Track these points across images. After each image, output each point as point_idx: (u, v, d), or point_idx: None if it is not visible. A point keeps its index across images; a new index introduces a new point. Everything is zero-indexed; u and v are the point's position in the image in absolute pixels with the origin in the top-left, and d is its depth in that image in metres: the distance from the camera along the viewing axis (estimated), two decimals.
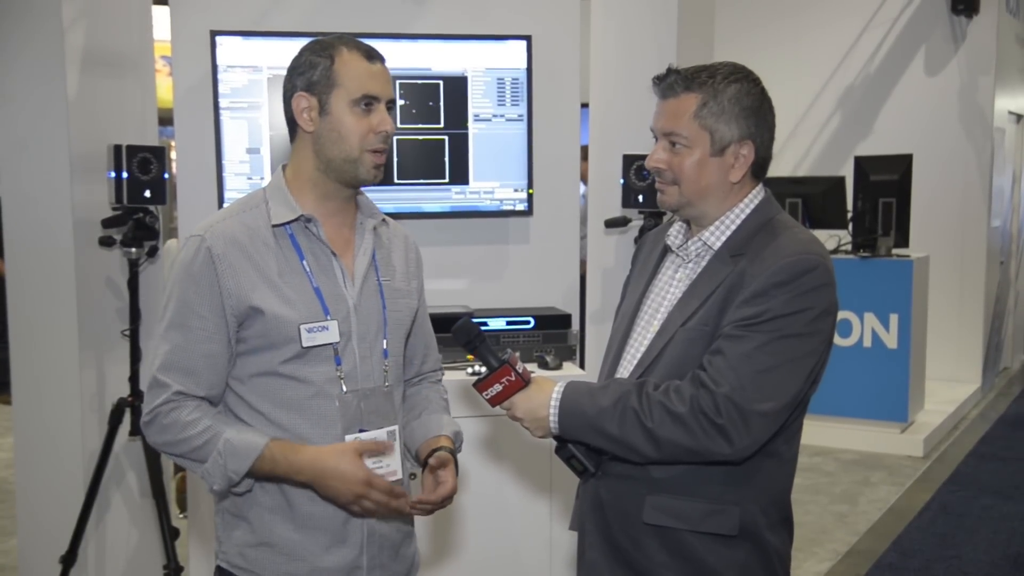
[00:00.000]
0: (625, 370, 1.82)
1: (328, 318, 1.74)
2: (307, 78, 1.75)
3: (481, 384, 1.78)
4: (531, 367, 3.21)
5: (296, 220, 1.76)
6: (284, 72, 1.81)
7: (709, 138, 1.72)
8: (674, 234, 1.85)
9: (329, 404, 1.75)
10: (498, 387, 1.76)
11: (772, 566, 1.77)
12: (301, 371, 1.73)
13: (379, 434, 1.76)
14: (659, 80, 1.77)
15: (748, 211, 1.77)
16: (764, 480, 1.73)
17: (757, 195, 1.79)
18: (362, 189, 1.88)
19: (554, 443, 1.83)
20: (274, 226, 1.75)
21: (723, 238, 1.76)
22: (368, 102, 1.75)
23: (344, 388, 1.76)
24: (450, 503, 1.82)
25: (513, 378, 1.75)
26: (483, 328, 3.23)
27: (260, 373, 1.74)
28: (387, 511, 1.73)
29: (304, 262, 1.76)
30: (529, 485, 3.29)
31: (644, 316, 1.84)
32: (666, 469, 1.71)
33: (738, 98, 1.72)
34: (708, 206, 1.77)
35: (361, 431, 1.75)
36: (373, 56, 1.77)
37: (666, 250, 1.87)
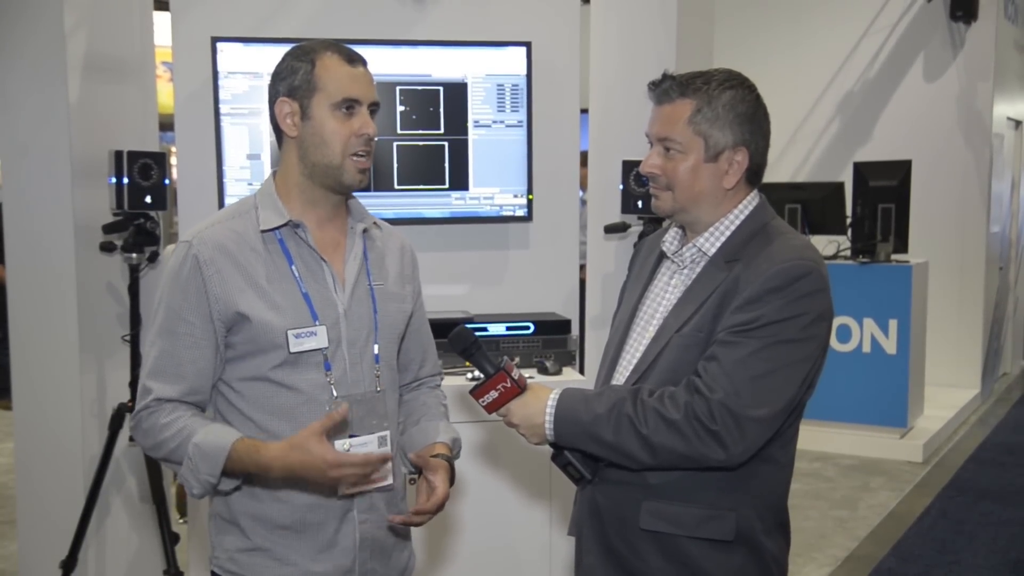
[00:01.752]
0: (621, 376, 1.82)
1: (316, 323, 1.74)
2: (289, 83, 1.75)
3: (477, 391, 1.78)
4: (531, 372, 3.22)
5: (285, 225, 1.77)
6: None
7: (703, 144, 1.73)
8: (669, 240, 1.86)
9: (319, 410, 1.74)
10: (494, 394, 1.77)
11: (769, 571, 1.77)
12: (290, 377, 1.73)
13: (371, 439, 1.75)
14: (655, 86, 1.78)
15: (742, 217, 1.78)
16: (760, 485, 1.74)
17: (751, 201, 1.80)
18: (356, 195, 1.88)
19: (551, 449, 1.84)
20: (263, 231, 1.76)
21: (717, 244, 1.77)
22: (349, 106, 1.74)
23: (334, 394, 1.76)
24: (442, 509, 1.82)
25: (509, 385, 1.76)
26: (483, 334, 3.28)
27: (250, 378, 1.75)
28: (369, 479, 1.70)
29: (293, 267, 1.76)
30: (528, 491, 3.29)
31: (640, 322, 1.85)
32: (662, 475, 1.72)
33: (733, 105, 1.72)
34: (702, 212, 1.78)
35: (352, 436, 1.75)
36: (354, 59, 1.77)
37: (662, 256, 1.88)
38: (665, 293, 1.83)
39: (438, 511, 1.81)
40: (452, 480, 1.86)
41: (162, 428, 1.70)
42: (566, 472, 1.83)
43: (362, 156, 1.76)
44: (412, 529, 1.93)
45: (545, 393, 1.76)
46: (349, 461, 1.62)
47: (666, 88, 1.75)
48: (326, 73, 1.74)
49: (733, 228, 1.77)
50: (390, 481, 1.78)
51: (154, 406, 1.72)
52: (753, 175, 1.78)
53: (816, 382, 1.74)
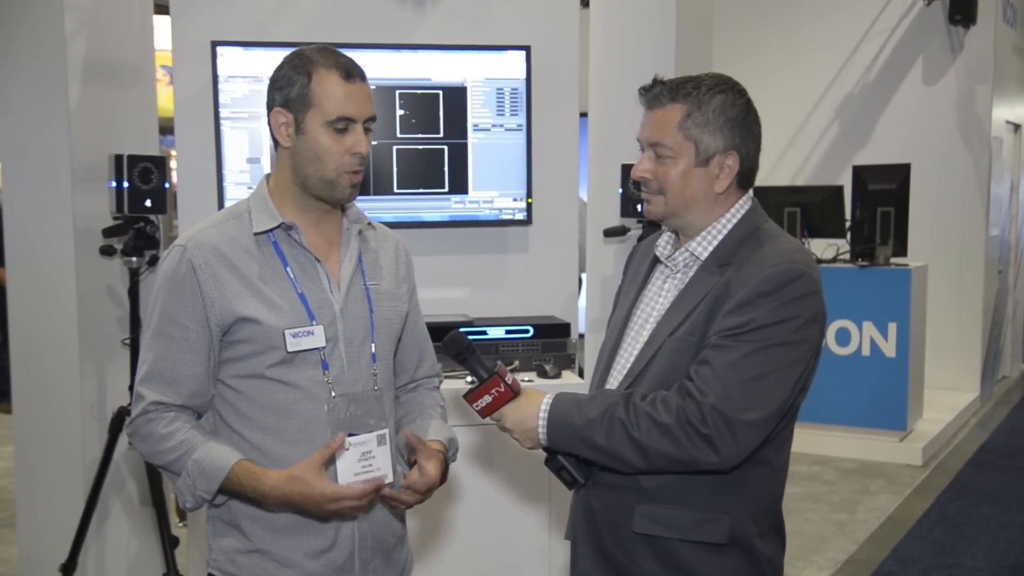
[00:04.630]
0: (615, 380, 1.83)
1: (313, 323, 1.75)
2: (285, 94, 1.75)
3: (471, 395, 1.79)
4: (530, 376, 3.22)
5: (277, 227, 1.78)
6: None
7: (694, 148, 1.74)
8: (663, 244, 1.87)
9: (317, 407, 1.76)
10: (488, 398, 1.77)
11: (763, 574, 1.77)
12: (288, 376, 1.75)
13: (369, 438, 1.77)
14: (645, 91, 1.78)
15: (734, 221, 1.78)
16: (754, 488, 1.74)
17: (743, 205, 1.80)
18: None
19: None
20: (256, 234, 1.77)
21: (710, 248, 1.77)
22: (344, 124, 1.74)
23: (332, 393, 1.77)
24: (430, 496, 1.84)
25: (503, 389, 1.76)
26: (482, 337, 3.28)
27: (247, 375, 1.76)
28: (366, 510, 1.76)
29: (288, 269, 1.77)
30: (526, 494, 3.29)
31: (634, 326, 1.85)
32: (656, 479, 1.72)
33: (723, 109, 1.73)
34: (693, 216, 1.78)
35: (350, 435, 1.76)
36: (352, 75, 1.76)
37: (656, 260, 1.88)
38: (658, 297, 1.84)
39: (427, 495, 1.82)
40: (445, 475, 1.87)
41: (161, 438, 1.72)
42: (559, 476, 1.84)
43: (355, 172, 1.78)
44: (410, 532, 1.94)
45: (538, 397, 1.77)
46: (346, 495, 1.67)
47: (656, 93, 1.76)
48: (322, 89, 1.73)
49: (725, 232, 1.77)
50: (390, 479, 1.79)
51: (152, 412, 1.73)
52: (744, 179, 1.79)
53: (809, 385, 1.75)
